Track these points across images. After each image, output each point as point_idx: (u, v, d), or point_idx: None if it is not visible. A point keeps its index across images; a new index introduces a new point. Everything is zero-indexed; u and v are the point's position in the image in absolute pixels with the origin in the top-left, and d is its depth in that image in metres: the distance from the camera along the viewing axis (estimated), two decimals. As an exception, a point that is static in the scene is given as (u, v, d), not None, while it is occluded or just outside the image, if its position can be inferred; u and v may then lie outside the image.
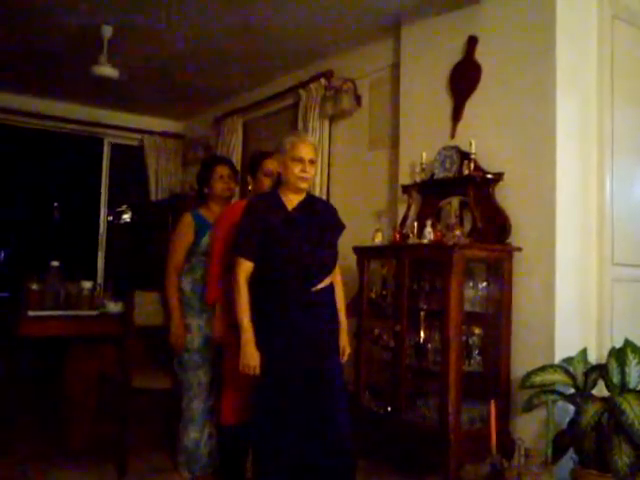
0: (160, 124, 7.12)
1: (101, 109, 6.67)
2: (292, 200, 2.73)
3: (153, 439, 3.67)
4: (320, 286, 2.66)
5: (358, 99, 4.64)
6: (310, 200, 2.80)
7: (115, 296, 4.01)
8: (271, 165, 3.10)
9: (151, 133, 7.02)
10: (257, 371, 2.58)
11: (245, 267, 2.64)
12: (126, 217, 7.55)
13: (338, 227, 2.85)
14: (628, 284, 3.51)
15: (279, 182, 2.80)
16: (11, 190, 6.87)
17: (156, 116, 7.04)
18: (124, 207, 7.56)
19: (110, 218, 7.08)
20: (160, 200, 6.78)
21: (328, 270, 2.72)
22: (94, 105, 6.56)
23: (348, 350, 2.82)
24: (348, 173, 4.72)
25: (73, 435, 3.60)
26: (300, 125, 5.05)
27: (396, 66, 4.27)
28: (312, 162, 2.71)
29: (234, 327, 2.75)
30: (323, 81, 4.85)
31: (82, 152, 6.97)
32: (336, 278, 2.81)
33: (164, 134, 7.08)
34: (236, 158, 5.97)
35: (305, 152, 2.68)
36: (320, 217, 2.77)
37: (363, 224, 4.18)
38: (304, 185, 2.72)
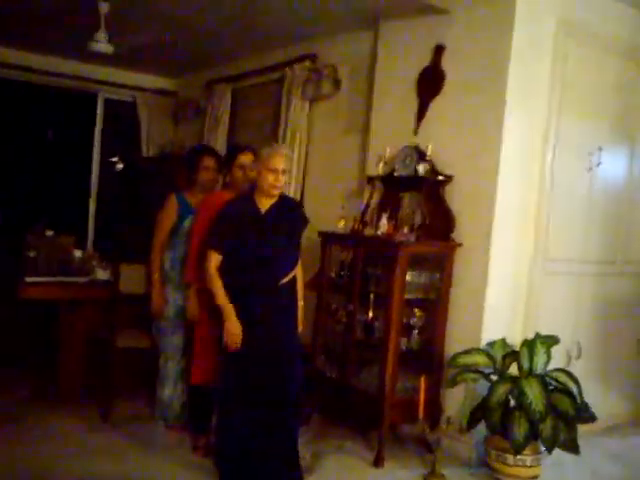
0: (153, 81, 7.36)
1: (96, 65, 6.89)
2: (265, 204, 3.13)
3: (134, 391, 4.21)
4: (285, 280, 3.10)
5: (337, 83, 4.95)
6: (281, 202, 3.18)
7: (103, 255, 4.48)
8: (244, 159, 3.47)
9: (144, 90, 7.29)
10: (240, 339, 3.00)
11: (215, 259, 3.07)
12: (119, 167, 7.85)
13: (304, 223, 3.27)
14: (560, 277, 3.98)
15: (255, 186, 3.16)
16: (6, 142, 7.19)
17: (149, 73, 7.27)
18: (115, 158, 7.86)
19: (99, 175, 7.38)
20: (151, 157, 7.13)
21: (292, 267, 3.16)
22: (89, 61, 6.78)
23: (301, 327, 3.28)
24: (324, 154, 5.08)
25: (64, 384, 4.12)
26: (284, 101, 5.38)
27: (374, 56, 4.58)
28: (284, 172, 3.09)
29: (206, 306, 3.26)
30: (307, 64, 5.15)
31: (77, 107, 7.25)
32: (297, 268, 3.23)
33: (157, 91, 7.35)
34: (224, 124, 6.32)
35: (278, 163, 3.05)
36: (289, 217, 3.18)
37: (333, 204, 4.58)
38: (276, 192, 3.11)
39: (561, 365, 3.69)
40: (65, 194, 7.58)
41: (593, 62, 3.98)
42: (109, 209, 7.20)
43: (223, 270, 3.08)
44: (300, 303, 3.28)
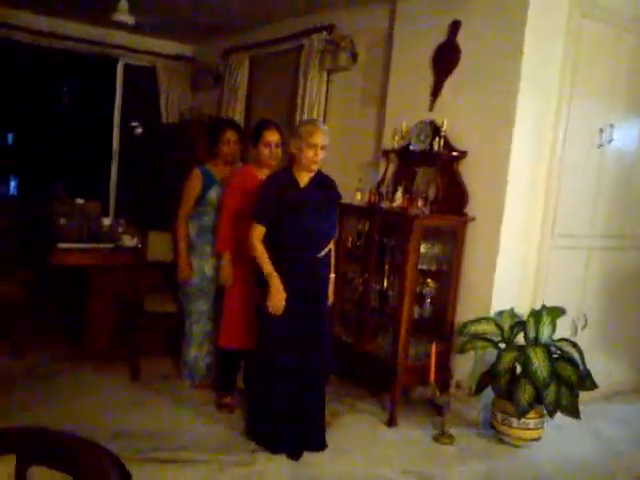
0: (172, 47, 7.42)
1: (116, 30, 6.96)
2: (304, 178, 3.25)
3: (162, 352, 4.46)
4: (323, 253, 3.26)
5: (355, 56, 5.04)
6: (318, 177, 3.31)
7: (129, 223, 4.67)
8: (269, 137, 3.61)
9: (163, 56, 7.36)
10: (283, 305, 3.13)
11: (259, 231, 3.19)
12: (138, 131, 7.98)
13: (338, 198, 3.42)
14: (568, 251, 4.12)
15: (292, 161, 3.29)
16: (27, 108, 7.37)
17: (169, 39, 7.33)
18: (135, 123, 7.98)
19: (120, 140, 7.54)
20: (171, 123, 7.25)
21: (330, 238, 3.33)
22: (110, 27, 6.85)
23: (332, 299, 3.51)
24: (341, 126, 5.17)
25: (95, 345, 4.37)
26: (302, 71, 5.46)
27: (391, 30, 4.64)
28: (323, 148, 3.20)
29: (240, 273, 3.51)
30: (324, 34, 5.22)
31: (98, 72, 7.38)
32: (332, 243, 3.39)
33: (176, 57, 7.42)
34: (242, 92, 6.41)
35: (319, 139, 3.16)
36: (326, 192, 3.31)
37: (350, 176, 4.71)
38: (315, 167, 3.23)
39: (568, 335, 3.87)
40: (85, 159, 7.76)
41: (607, 40, 4.03)
42: (130, 175, 7.36)
43: (266, 242, 3.21)
44: (332, 275, 3.46)
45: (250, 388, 3.56)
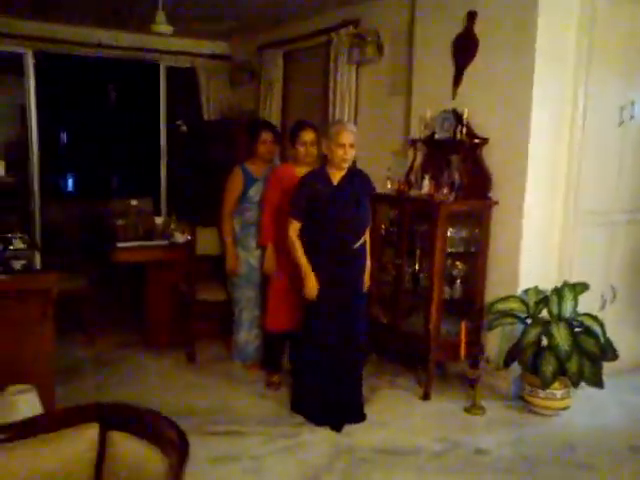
0: (209, 46, 7.73)
1: (156, 36, 7.30)
2: (336, 175, 3.55)
3: (215, 337, 4.88)
4: (358, 244, 3.56)
5: (380, 48, 5.25)
6: (350, 174, 3.59)
7: (179, 220, 5.04)
8: (304, 137, 3.91)
9: (201, 56, 7.70)
10: (315, 293, 3.49)
11: (295, 226, 3.54)
12: (183, 129, 8.34)
13: (372, 191, 3.70)
14: (592, 228, 4.26)
15: (326, 160, 3.60)
16: (82, 114, 7.87)
17: (205, 39, 7.66)
18: (180, 121, 8.35)
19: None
20: (212, 121, 7.61)
21: (364, 230, 3.62)
22: (149, 33, 7.21)
23: (367, 285, 3.78)
24: (372, 117, 5.41)
25: (154, 333, 4.81)
26: (332, 65, 5.70)
27: (413, 22, 4.83)
28: (352, 146, 3.49)
29: (282, 262, 3.81)
30: (351, 29, 5.45)
31: (142, 74, 7.80)
32: (366, 233, 3.69)
33: (213, 56, 7.75)
34: (278, 88, 6.69)
35: (347, 139, 3.46)
36: (358, 187, 3.59)
37: (381, 165, 4.95)
38: (345, 165, 3.52)
39: (596, 309, 4.06)
40: (136, 158, 8.21)
41: (621, 16, 4.12)
42: (178, 172, 7.77)
43: (304, 235, 3.55)
44: (367, 263, 3.75)
45: (296, 366, 3.92)
